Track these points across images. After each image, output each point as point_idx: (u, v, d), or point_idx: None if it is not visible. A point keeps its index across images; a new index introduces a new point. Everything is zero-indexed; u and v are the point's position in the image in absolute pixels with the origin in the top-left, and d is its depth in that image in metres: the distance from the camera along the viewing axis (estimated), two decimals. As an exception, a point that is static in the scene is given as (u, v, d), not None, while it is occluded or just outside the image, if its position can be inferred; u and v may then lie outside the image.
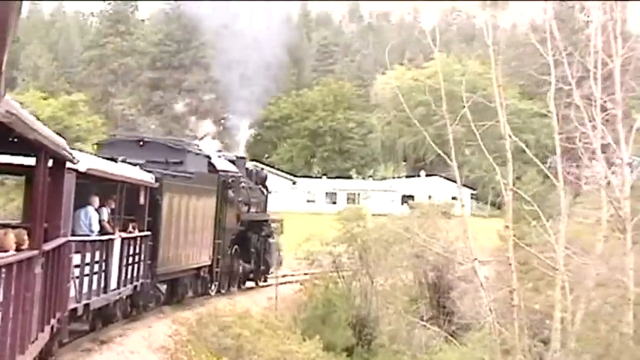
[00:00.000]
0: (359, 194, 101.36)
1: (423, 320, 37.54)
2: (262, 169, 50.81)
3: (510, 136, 29.59)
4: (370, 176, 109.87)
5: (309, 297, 39.90)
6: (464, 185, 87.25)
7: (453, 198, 75.49)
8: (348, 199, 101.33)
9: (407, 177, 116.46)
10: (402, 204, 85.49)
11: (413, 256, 41.58)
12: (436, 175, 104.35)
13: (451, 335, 36.62)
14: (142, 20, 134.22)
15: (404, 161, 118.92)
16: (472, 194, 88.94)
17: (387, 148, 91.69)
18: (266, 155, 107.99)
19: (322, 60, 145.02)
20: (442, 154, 37.94)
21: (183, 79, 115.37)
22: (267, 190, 45.52)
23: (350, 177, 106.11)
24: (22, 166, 16.65)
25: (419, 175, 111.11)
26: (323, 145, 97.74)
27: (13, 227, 14.36)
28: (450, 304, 40.17)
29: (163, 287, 29.83)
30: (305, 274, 45.23)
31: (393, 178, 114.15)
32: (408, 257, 41.78)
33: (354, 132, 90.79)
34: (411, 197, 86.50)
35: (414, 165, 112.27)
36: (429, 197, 79.28)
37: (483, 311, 29.71)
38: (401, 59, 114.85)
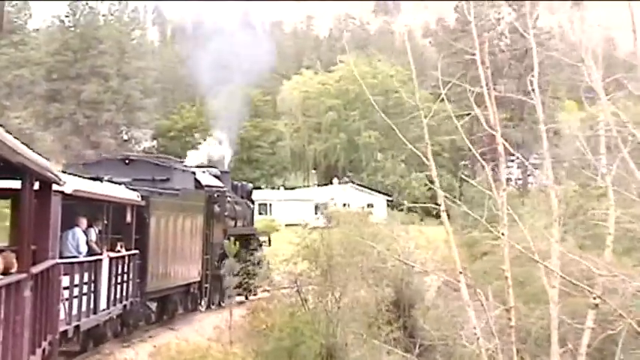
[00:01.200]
0: (270, 204, 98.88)
1: (386, 343, 32.01)
2: (246, 182, 50.62)
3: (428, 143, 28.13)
4: (282, 185, 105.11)
5: (268, 326, 32.45)
6: (379, 192, 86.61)
7: (369, 205, 74.09)
8: (260, 210, 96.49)
9: (318, 185, 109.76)
10: (316, 213, 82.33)
11: (370, 271, 35.67)
12: (349, 182, 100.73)
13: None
14: (37, 29, 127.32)
15: (314, 169, 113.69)
16: (388, 200, 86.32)
17: (297, 155, 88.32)
18: None
19: (218, 70, 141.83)
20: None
21: (81, 90, 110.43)
22: (252, 203, 45.46)
23: (259, 187, 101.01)
24: (7, 189, 16.51)
25: (331, 183, 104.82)
26: (232, 155, 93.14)
27: (1, 250, 14.21)
28: (412, 323, 35.39)
29: (153, 305, 29.68)
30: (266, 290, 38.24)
31: (303, 187, 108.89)
32: (365, 272, 35.59)
33: (261, 140, 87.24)
34: (324, 206, 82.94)
35: (325, 173, 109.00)
36: (344, 205, 76.22)
37: (466, 334, 26.00)
38: (298, 67, 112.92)
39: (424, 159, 26.86)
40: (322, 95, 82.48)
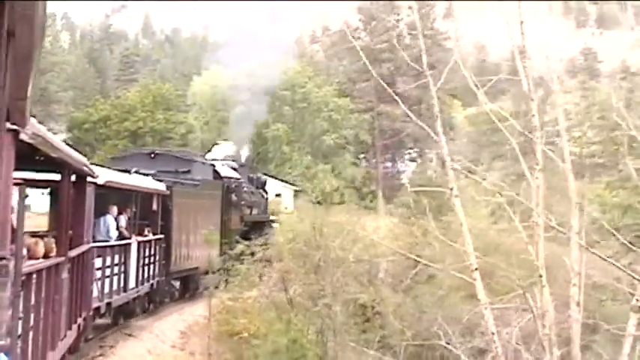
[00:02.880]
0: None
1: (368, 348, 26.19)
2: (262, 174, 50.64)
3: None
4: None
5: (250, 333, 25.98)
6: (288, 182, 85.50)
7: (277, 195, 72.70)
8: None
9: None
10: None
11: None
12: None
13: None
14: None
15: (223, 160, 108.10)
16: (295, 191, 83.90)
17: (207, 147, 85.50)
18: (86, 158, 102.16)
19: (124, 70, 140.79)
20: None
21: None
22: (266, 193, 45.53)
23: None
24: (47, 181, 16.60)
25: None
26: (143, 146, 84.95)
27: (41, 236, 14.30)
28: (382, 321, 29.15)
29: (177, 284, 29.76)
30: None
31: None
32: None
33: (174, 132, 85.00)
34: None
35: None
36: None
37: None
38: (198, 69, 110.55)
39: (434, 135, 21.14)
40: (231, 89, 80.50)
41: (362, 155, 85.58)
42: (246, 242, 29.48)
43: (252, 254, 28.46)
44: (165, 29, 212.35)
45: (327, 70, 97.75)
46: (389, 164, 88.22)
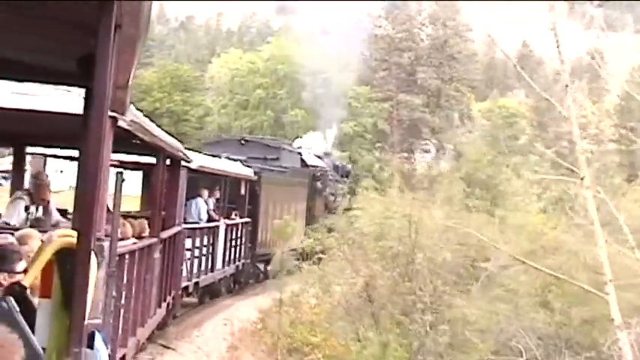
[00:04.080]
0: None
1: None
2: (347, 164, 50.64)
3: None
4: None
5: None
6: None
7: None
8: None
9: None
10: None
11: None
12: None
13: None
14: None
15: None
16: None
17: (224, 131, 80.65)
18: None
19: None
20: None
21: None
22: (353, 184, 45.60)
23: None
24: (142, 163, 16.82)
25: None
26: (159, 127, 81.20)
27: (135, 217, 14.49)
28: None
29: (262, 266, 29.94)
30: None
31: None
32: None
33: (190, 114, 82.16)
34: None
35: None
36: None
37: None
38: (211, 55, 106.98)
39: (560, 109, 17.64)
40: (251, 73, 77.08)
41: (379, 144, 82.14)
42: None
43: (320, 253, 25.21)
44: (180, 16, 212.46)
45: (346, 59, 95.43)
46: (405, 154, 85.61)
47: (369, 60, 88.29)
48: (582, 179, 16.49)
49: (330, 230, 28.68)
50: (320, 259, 25.47)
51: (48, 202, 11.17)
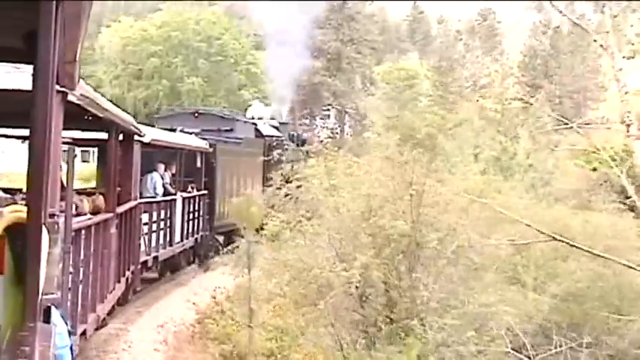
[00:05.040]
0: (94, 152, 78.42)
1: None
2: (302, 132, 50.56)
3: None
4: None
5: None
6: (204, 138, 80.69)
7: None
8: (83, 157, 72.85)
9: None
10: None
11: None
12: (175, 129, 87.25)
13: None
14: None
15: (134, 117, 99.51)
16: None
17: (117, 102, 76.74)
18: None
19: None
20: None
21: None
22: (307, 152, 45.53)
23: None
24: (95, 139, 16.74)
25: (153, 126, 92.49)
26: None
27: (90, 194, 14.43)
28: None
29: (221, 238, 29.92)
30: None
31: None
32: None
33: None
34: None
35: (147, 120, 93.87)
36: None
37: None
38: (98, 26, 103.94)
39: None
40: (143, 41, 73.69)
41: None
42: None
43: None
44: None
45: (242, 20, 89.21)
46: (306, 120, 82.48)
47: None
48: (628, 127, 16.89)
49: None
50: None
51: None
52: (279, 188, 19.94)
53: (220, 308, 20.50)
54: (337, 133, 79.92)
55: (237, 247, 19.42)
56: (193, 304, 20.24)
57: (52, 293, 3.92)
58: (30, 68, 5.36)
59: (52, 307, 3.91)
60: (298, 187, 19.25)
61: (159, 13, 78.90)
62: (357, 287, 15.81)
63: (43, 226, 3.54)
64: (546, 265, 19.37)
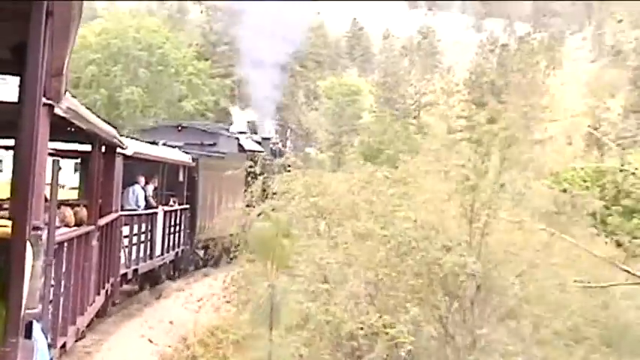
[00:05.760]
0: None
1: None
2: (284, 147, 50.55)
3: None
4: None
5: None
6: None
7: None
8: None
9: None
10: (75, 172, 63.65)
11: None
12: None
13: None
14: None
15: None
16: None
17: None
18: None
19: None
20: None
21: None
22: (287, 167, 45.53)
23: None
24: (78, 151, 16.67)
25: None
26: None
27: (73, 205, 14.36)
28: None
29: (201, 252, 29.83)
30: None
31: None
32: None
33: None
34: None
35: None
36: None
37: None
38: None
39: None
40: (82, 49, 69.16)
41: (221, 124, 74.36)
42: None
43: None
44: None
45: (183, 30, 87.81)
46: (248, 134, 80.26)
47: (209, 33, 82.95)
48: None
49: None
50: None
51: None
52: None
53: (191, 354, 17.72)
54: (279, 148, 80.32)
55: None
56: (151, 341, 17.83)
57: (34, 308, 3.88)
58: (15, 80, 5.34)
59: (34, 322, 3.87)
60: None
61: (98, 20, 76.73)
62: (409, 351, 11.88)
63: (27, 240, 3.51)
64: None
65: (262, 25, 69.41)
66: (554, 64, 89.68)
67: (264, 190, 35.71)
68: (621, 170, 19.91)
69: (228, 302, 16.62)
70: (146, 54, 70.96)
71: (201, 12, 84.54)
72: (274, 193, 18.52)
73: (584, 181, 25.46)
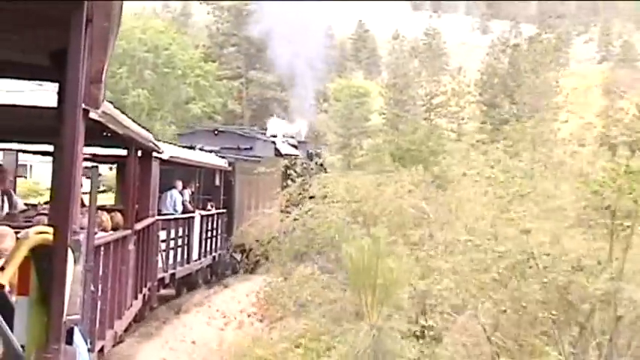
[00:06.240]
0: (31, 166, 72.01)
1: None
2: (320, 150, 50.49)
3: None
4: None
5: None
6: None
7: None
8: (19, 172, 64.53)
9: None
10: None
11: None
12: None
13: None
14: None
15: None
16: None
17: None
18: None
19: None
20: None
21: None
22: (325, 169, 45.52)
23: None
24: (114, 156, 16.76)
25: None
26: None
27: (109, 210, 14.44)
28: None
29: (238, 256, 29.90)
30: None
31: None
32: None
33: None
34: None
35: None
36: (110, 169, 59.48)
37: None
38: None
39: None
40: None
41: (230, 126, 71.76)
42: None
43: None
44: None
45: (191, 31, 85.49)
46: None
47: (216, 35, 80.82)
48: None
49: None
50: None
51: (9, 193, 11.14)
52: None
53: None
54: (316, 151, 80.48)
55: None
56: None
57: (75, 313, 3.90)
58: (53, 86, 5.38)
59: (75, 328, 3.89)
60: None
61: None
62: None
63: (68, 246, 3.53)
64: None
65: (283, 28, 69.72)
66: (561, 65, 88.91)
67: (300, 194, 35.50)
68: None
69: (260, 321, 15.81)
70: (152, 55, 69.66)
71: (208, 13, 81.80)
72: (312, 197, 17.96)
73: (615, 182, 24.78)
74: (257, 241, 23.19)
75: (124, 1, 3.64)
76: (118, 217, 13.69)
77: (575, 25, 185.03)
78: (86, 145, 10.02)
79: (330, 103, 79.64)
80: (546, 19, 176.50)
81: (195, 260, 23.64)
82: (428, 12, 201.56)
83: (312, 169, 40.51)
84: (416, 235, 13.24)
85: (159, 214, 19.40)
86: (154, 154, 17.18)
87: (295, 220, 16.35)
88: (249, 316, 18.08)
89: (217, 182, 26.59)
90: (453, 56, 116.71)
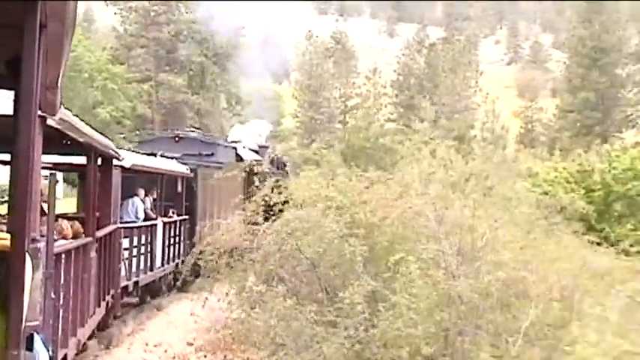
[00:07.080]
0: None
1: None
2: (282, 155, 50.48)
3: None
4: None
5: None
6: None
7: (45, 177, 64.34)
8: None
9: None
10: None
11: None
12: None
13: None
14: None
15: None
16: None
17: None
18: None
19: None
20: None
21: None
22: (287, 174, 45.52)
23: None
24: (75, 164, 16.70)
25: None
26: None
27: (70, 218, 14.38)
28: None
29: (202, 263, 29.79)
30: None
31: None
32: None
33: None
34: None
35: None
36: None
37: None
38: None
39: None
40: None
41: (138, 132, 64.58)
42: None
43: None
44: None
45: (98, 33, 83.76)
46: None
47: (124, 36, 77.81)
48: None
49: None
50: None
51: None
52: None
53: None
54: (277, 156, 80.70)
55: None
56: None
57: (35, 320, 3.91)
58: (9, 93, 5.37)
59: (35, 334, 3.90)
60: None
61: None
62: None
63: (26, 253, 3.54)
64: None
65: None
66: (472, 67, 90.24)
67: (265, 201, 34.14)
68: (609, 170, 19.60)
69: None
70: None
71: (115, 13, 78.60)
72: (285, 202, 16.11)
73: (568, 182, 24.80)
74: (212, 253, 21.71)
75: (77, 2, 3.64)
76: (78, 224, 13.65)
77: (481, 28, 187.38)
78: (46, 152, 10.00)
79: (242, 106, 78.36)
80: (452, 21, 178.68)
81: (159, 267, 23.56)
82: (334, 16, 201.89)
83: (273, 173, 40.60)
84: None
85: (121, 222, 19.33)
86: (115, 161, 17.13)
87: (264, 232, 14.09)
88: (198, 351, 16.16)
89: (179, 189, 26.54)
90: (361, 59, 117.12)
